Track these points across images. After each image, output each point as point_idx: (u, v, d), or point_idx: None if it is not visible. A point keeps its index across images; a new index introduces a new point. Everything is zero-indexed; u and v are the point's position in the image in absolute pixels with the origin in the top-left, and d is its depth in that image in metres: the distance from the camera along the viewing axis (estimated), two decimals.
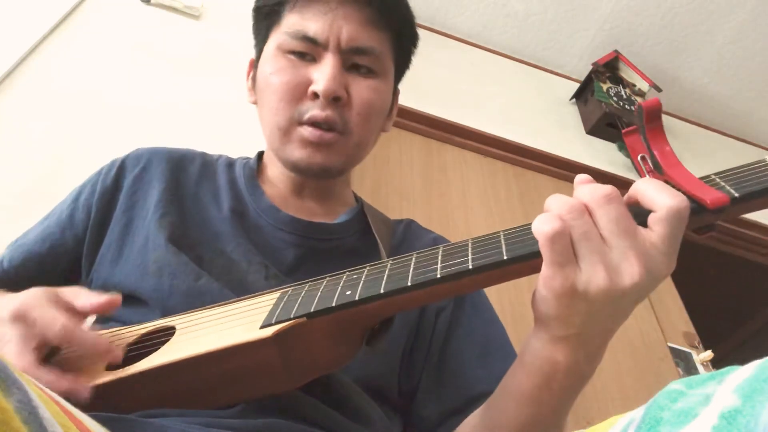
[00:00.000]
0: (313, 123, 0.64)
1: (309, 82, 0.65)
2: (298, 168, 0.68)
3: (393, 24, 0.70)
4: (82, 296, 0.50)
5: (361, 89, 0.67)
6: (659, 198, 0.39)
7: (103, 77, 1.41)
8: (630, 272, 0.38)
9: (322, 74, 0.64)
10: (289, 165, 0.68)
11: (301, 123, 0.65)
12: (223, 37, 1.61)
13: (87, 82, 1.39)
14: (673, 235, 0.39)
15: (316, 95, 0.64)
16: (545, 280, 0.40)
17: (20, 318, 0.45)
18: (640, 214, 0.40)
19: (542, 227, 0.39)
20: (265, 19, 0.71)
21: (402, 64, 0.76)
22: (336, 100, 0.64)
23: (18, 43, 1.35)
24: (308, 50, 0.66)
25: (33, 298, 0.47)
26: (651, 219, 0.39)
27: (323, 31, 0.65)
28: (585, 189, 0.41)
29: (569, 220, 0.39)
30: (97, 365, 0.48)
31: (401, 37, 0.72)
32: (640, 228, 0.39)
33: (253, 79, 0.75)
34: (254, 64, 0.76)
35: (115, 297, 0.50)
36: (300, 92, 0.65)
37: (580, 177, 0.43)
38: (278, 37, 0.68)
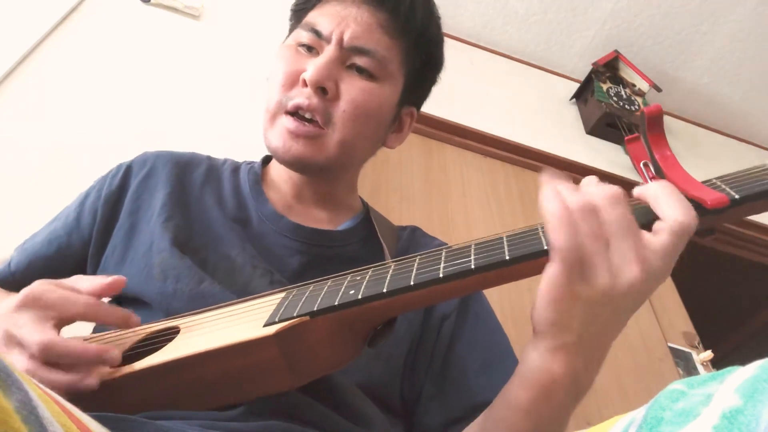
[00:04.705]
0: (296, 112, 0.65)
1: (303, 71, 0.65)
2: (276, 156, 0.68)
3: (407, 34, 0.69)
4: (83, 281, 0.50)
5: (353, 88, 0.66)
6: (670, 210, 0.39)
7: (103, 77, 1.41)
8: (629, 275, 0.38)
9: (313, 63, 0.65)
10: (270, 151, 0.69)
11: (286, 111, 0.66)
12: (223, 37, 1.61)
13: (87, 82, 1.39)
14: (676, 246, 0.39)
15: (305, 83, 0.64)
16: (550, 280, 0.40)
17: (32, 303, 0.46)
18: (645, 213, 0.40)
19: (557, 233, 0.39)
20: (295, 17, 0.74)
21: (414, 82, 0.73)
22: (323, 91, 0.64)
23: (18, 43, 1.35)
24: (314, 44, 0.67)
25: (41, 285, 0.48)
26: (658, 226, 0.39)
27: (330, 26, 0.66)
28: (592, 188, 0.41)
29: (580, 219, 0.39)
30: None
31: (416, 50, 0.71)
32: (643, 231, 0.40)
33: None
34: None
35: (119, 278, 0.51)
36: (293, 80, 0.66)
37: (589, 179, 0.43)
38: (295, 32, 0.70)
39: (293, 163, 0.67)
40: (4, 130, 1.24)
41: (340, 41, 0.66)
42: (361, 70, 0.67)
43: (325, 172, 0.70)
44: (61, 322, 0.46)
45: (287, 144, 0.65)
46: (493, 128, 1.99)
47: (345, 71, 0.66)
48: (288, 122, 0.65)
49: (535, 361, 0.44)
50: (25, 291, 0.47)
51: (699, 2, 2.10)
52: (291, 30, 0.74)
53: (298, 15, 0.72)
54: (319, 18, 0.68)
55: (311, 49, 0.67)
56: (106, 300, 0.68)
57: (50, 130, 1.27)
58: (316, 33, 0.67)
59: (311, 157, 0.66)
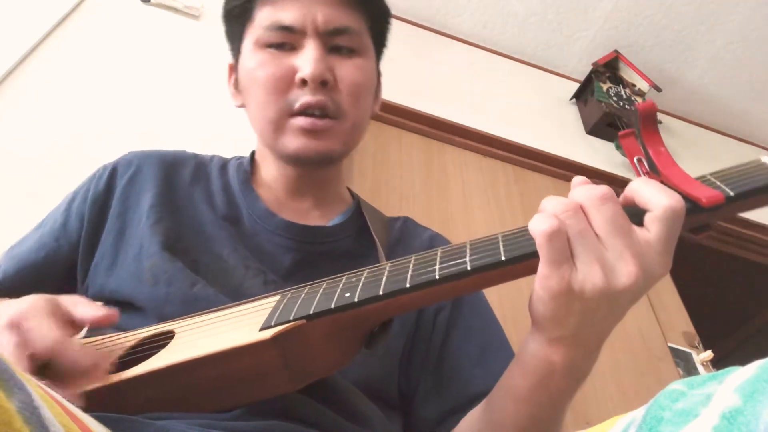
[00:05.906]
0: (306, 111, 0.64)
1: (294, 71, 0.64)
2: (297, 159, 0.67)
3: (368, 3, 0.70)
4: (80, 307, 0.49)
5: (347, 70, 0.66)
6: (655, 197, 0.39)
7: (103, 77, 1.41)
8: (626, 271, 0.38)
9: (306, 60, 0.63)
10: (286, 158, 0.68)
11: (293, 114, 0.65)
12: (223, 37, 1.61)
13: (86, 82, 1.39)
14: (669, 234, 0.39)
15: (304, 82, 0.63)
16: (542, 279, 0.39)
17: (15, 326, 0.44)
18: (636, 214, 0.40)
19: (539, 226, 0.39)
20: (237, 20, 0.71)
21: (379, 43, 0.76)
22: (324, 84, 0.64)
23: (18, 43, 1.35)
24: (287, 40, 0.65)
25: (30, 306, 0.46)
26: (647, 218, 0.39)
27: (298, 18, 0.65)
28: (580, 189, 0.41)
29: (565, 219, 0.39)
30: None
31: (375, 14, 0.72)
32: (636, 227, 0.39)
33: (236, 83, 0.74)
34: (234, 68, 0.75)
35: (113, 312, 0.49)
36: (286, 82, 0.65)
37: (577, 179, 0.43)
38: (254, 33, 0.68)
39: (316, 161, 0.67)
40: (3, 130, 1.24)
41: (317, 28, 0.65)
42: (344, 50, 0.67)
43: (341, 158, 0.71)
44: (35, 355, 0.43)
45: (306, 142, 0.65)
46: (493, 128, 2.00)
47: (332, 56, 0.66)
48: (302, 121, 0.64)
49: (534, 350, 0.44)
50: (17, 308, 0.45)
51: (699, 2, 2.10)
52: (235, 34, 0.72)
53: (242, 17, 0.69)
54: (279, 14, 0.65)
55: (283, 46, 0.66)
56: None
57: (50, 130, 1.27)
58: (287, 29, 0.65)
59: (331, 149, 0.66)
